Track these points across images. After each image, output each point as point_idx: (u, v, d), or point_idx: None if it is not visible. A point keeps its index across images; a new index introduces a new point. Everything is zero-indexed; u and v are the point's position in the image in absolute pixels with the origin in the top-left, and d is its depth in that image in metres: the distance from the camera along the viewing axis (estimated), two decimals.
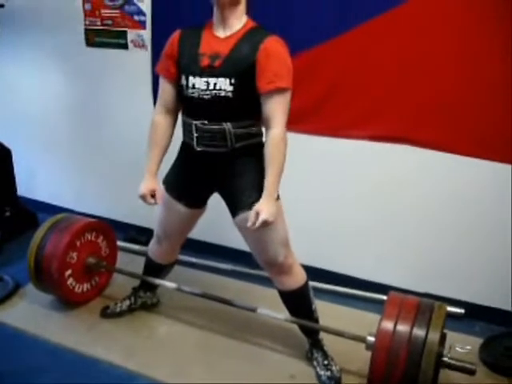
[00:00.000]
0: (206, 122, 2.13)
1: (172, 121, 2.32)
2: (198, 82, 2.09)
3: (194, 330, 2.69)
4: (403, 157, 2.73)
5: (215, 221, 2.76)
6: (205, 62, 2.07)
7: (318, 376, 2.34)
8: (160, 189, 2.34)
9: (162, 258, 2.68)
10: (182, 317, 2.77)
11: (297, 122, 2.68)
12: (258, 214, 2.04)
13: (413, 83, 2.58)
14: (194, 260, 3.27)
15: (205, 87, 2.07)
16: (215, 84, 2.05)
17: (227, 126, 2.11)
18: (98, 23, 3.24)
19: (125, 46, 3.19)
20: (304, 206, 2.94)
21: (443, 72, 2.51)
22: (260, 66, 2.00)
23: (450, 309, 2.64)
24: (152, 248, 2.69)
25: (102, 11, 3.20)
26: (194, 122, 2.15)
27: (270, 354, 2.52)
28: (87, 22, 3.27)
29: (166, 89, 2.25)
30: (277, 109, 2.04)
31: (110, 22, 3.19)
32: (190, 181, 2.35)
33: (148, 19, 3.09)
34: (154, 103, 3.22)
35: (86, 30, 3.29)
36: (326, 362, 2.36)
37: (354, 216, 2.93)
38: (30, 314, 2.80)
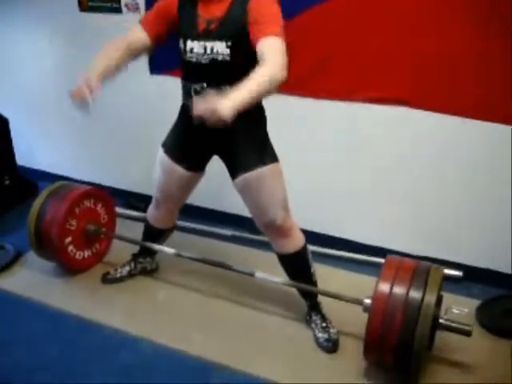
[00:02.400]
0: (204, 85, 2.13)
1: (142, 43, 2.22)
2: (196, 46, 2.09)
3: (193, 294, 2.71)
4: (403, 121, 2.70)
5: (215, 187, 2.76)
6: (202, 25, 2.08)
7: (316, 338, 2.36)
8: (94, 80, 2.19)
9: (160, 222, 2.69)
10: (181, 282, 2.80)
11: (295, 85, 2.67)
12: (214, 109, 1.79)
13: (413, 44, 2.52)
14: (193, 226, 3.28)
15: (202, 51, 2.08)
16: (212, 48, 2.05)
17: (226, 89, 2.08)
18: None
19: (118, 10, 3.13)
20: (304, 169, 2.93)
21: (444, 33, 2.46)
22: (250, 20, 1.98)
23: (448, 271, 2.65)
24: (150, 212, 2.69)
25: None
26: (194, 86, 2.16)
27: (268, 318, 2.54)
28: None
29: (139, 33, 2.21)
30: (272, 50, 1.91)
31: None
32: (190, 144, 2.35)
33: None
34: (150, 69, 3.22)
35: None
36: (324, 325, 2.38)
37: (353, 180, 2.93)
38: (32, 281, 2.83)
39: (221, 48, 2.04)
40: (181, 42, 2.14)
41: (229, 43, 2.03)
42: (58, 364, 2.27)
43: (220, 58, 2.05)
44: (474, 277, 2.78)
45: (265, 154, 2.22)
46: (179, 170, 2.39)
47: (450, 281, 2.64)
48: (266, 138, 2.28)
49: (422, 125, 2.68)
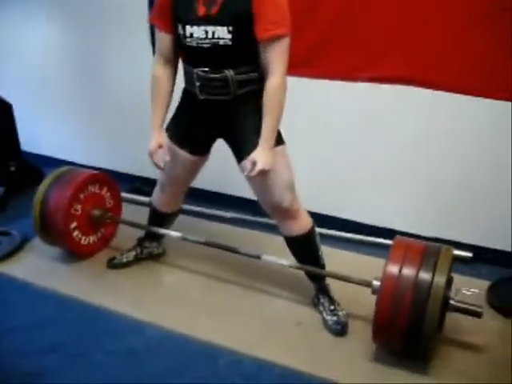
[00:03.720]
0: (207, 69, 2.10)
1: (172, 72, 2.29)
2: (196, 31, 2.05)
3: (200, 278, 2.70)
4: (409, 99, 2.65)
5: (219, 170, 2.73)
6: (201, 10, 2.02)
7: (325, 321, 2.34)
8: (167, 143, 2.32)
9: (165, 206, 2.67)
10: (188, 266, 2.78)
11: (301, 65, 2.63)
12: (254, 163, 2.05)
13: (418, 23, 2.47)
14: (198, 209, 3.26)
15: (203, 36, 2.04)
16: (213, 32, 2.02)
17: (229, 73, 2.09)
18: None
19: None
20: (309, 151, 2.89)
21: (449, 10, 2.39)
22: (256, 12, 1.95)
23: (458, 252, 2.62)
24: (155, 196, 2.68)
25: None
26: (195, 70, 2.13)
27: (276, 301, 2.52)
28: None
29: (163, 39, 2.22)
30: (275, 56, 2.01)
31: None
32: (193, 128, 2.33)
33: None
34: (153, 51, 3.17)
35: None
36: (332, 308, 2.35)
37: (359, 161, 2.89)
38: (38, 267, 2.82)
39: (222, 33, 2.00)
40: (179, 27, 2.09)
41: (230, 28, 1.99)
42: (65, 347, 2.26)
43: (221, 42, 2.02)
44: (483, 258, 2.75)
45: None
46: (184, 154, 2.37)
47: (459, 262, 2.61)
48: None
49: (429, 104, 2.63)
